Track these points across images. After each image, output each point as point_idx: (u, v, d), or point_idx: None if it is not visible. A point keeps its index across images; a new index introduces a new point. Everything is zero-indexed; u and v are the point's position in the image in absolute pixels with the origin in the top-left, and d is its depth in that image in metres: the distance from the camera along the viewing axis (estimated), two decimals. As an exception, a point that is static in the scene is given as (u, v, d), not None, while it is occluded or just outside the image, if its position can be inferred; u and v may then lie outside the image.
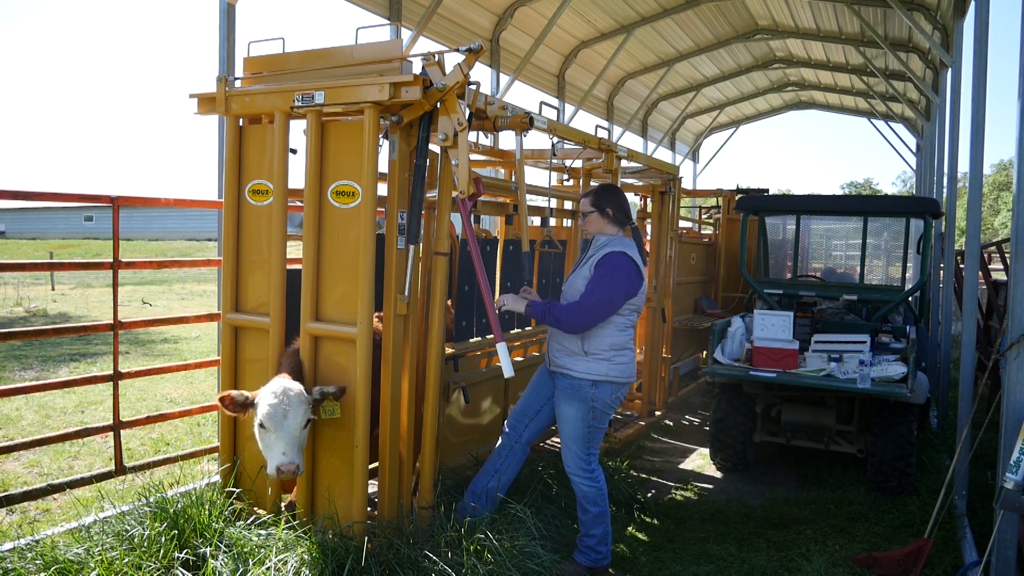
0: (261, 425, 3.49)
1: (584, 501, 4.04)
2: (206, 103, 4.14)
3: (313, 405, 3.58)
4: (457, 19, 9.70)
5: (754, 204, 6.78)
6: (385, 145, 3.82)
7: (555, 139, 4.90)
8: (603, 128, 5.92)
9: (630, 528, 4.73)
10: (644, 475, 5.88)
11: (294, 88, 3.77)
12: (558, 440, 6.22)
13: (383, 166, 3.76)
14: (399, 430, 3.90)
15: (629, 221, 4.10)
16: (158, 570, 3.30)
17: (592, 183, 6.37)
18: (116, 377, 4.45)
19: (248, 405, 3.59)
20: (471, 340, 5.06)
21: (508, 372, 3.67)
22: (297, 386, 3.55)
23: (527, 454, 4.32)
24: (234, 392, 3.61)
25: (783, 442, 5.96)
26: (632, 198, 8.83)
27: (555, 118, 4.76)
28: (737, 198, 7.50)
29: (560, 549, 4.17)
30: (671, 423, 7.51)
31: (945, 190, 7.73)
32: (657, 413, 7.39)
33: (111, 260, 4.35)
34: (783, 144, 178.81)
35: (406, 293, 3.72)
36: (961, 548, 4.33)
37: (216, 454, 4.41)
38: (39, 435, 4.67)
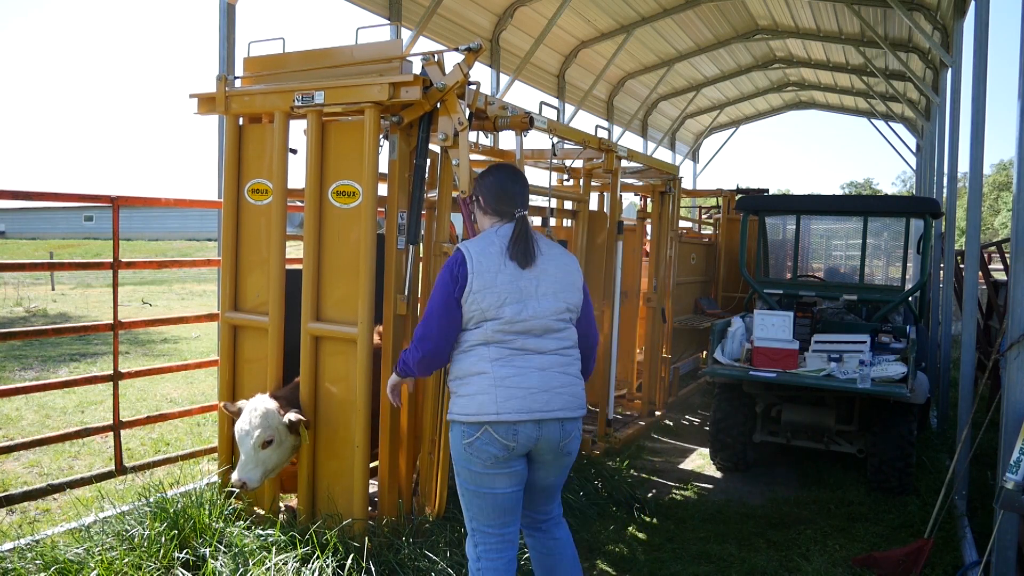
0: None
1: None
2: (206, 103, 4.15)
3: (290, 426, 3.62)
4: (457, 19, 9.69)
5: (754, 204, 6.78)
6: (385, 145, 3.83)
7: (555, 139, 4.90)
8: (603, 128, 5.92)
9: (630, 528, 4.72)
10: (644, 475, 5.88)
11: (294, 88, 3.77)
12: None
13: (383, 166, 3.76)
14: (399, 430, 3.89)
15: (511, 208, 2.88)
16: (158, 570, 3.31)
17: (592, 183, 6.35)
18: (116, 377, 4.45)
19: (239, 414, 3.72)
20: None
21: None
22: (265, 406, 3.61)
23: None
24: (227, 405, 3.78)
25: (783, 442, 5.96)
26: (632, 198, 8.85)
27: (555, 118, 4.76)
28: (737, 198, 7.50)
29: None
30: (671, 423, 7.51)
31: (945, 190, 7.72)
32: (657, 413, 7.39)
33: (111, 260, 4.35)
34: (783, 144, 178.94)
35: (406, 293, 3.72)
36: (961, 548, 4.33)
37: (216, 454, 4.41)
38: (39, 435, 4.67)
